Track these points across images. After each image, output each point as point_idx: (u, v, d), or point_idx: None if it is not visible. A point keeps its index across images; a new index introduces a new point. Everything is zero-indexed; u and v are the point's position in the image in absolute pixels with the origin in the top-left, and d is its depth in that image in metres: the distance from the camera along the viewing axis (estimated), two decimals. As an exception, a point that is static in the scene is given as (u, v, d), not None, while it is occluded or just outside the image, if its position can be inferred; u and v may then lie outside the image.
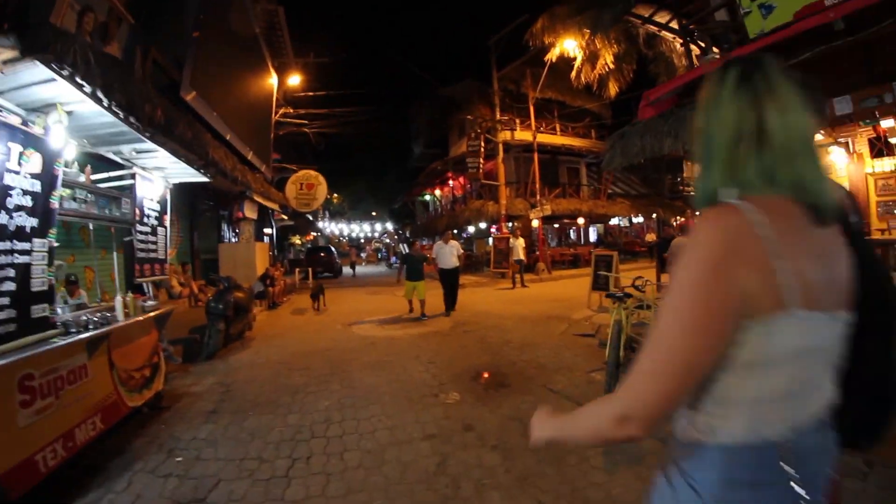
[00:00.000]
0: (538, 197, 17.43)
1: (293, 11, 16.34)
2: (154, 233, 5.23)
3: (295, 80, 15.91)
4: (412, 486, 2.70)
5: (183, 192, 9.28)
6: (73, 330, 3.19)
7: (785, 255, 0.69)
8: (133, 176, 4.77)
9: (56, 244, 3.23)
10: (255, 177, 11.11)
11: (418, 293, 8.60)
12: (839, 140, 7.12)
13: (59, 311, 3.49)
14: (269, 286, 10.84)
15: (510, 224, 17.37)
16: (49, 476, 2.59)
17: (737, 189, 0.76)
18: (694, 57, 7.63)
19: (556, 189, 20.47)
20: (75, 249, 6.34)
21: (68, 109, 3.27)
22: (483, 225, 21.22)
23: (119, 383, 3.50)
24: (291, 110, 16.58)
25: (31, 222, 2.95)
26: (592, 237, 25.02)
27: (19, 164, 2.87)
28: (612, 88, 12.91)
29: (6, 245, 2.76)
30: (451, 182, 24.36)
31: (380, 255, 41.67)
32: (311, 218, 24.27)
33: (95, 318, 3.46)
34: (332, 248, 25.08)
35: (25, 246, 2.91)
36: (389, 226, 51.35)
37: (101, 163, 4.69)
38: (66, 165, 3.63)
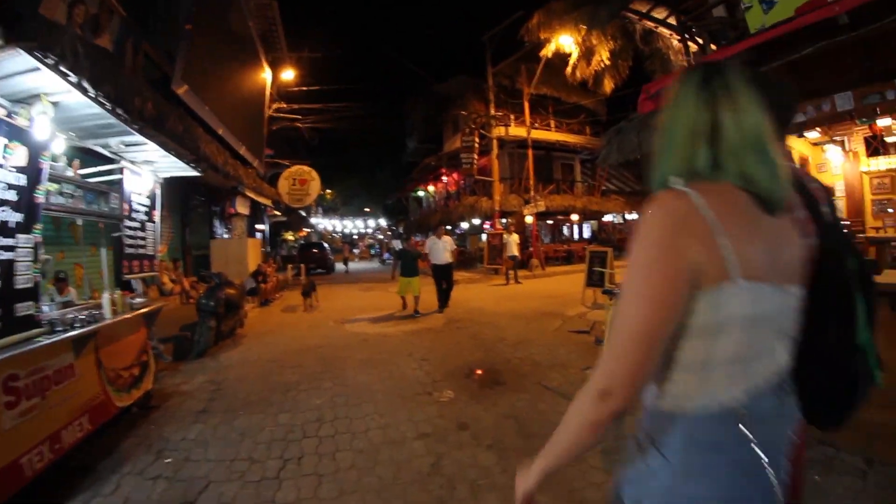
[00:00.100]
0: (532, 193, 17.39)
1: (287, 5, 16.19)
2: (143, 228, 5.14)
3: (289, 74, 15.73)
4: (406, 486, 2.67)
5: (174, 188, 9.17)
6: (60, 328, 3.10)
7: (727, 232, 0.75)
8: (121, 170, 4.67)
9: (41, 240, 3.14)
10: (248, 172, 10.97)
11: (413, 289, 8.55)
12: (835, 138, 7.16)
13: (45, 309, 3.39)
14: (262, 283, 10.72)
15: (504, 220, 17.31)
16: (35, 479, 2.52)
17: (685, 178, 0.83)
18: (692, 54, 7.61)
19: (550, 185, 20.48)
20: (65, 246, 6.23)
21: (53, 100, 3.17)
22: (477, 221, 21.18)
23: (107, 383, 3.42)
24: (285, 105, 16.41)
25: (15, 217, 2.86)
26: (586, 234, 25.07)
27: (3, 157, 2.78)
28: (608, 85, 12.93)
29: (-12, 241, 2.67)
30: (444, 178, 24.24)
31: (373, 251, 41.50)
32: (304, 214, 24.13)
33: (82, 316, 3.36)
34: (326, 245, 24.93)
35: (9, 242, 2.82)
36: (383, 222, 51.17)
37: (88, 157, 4.60)
38: (54, 159, 3.54)
